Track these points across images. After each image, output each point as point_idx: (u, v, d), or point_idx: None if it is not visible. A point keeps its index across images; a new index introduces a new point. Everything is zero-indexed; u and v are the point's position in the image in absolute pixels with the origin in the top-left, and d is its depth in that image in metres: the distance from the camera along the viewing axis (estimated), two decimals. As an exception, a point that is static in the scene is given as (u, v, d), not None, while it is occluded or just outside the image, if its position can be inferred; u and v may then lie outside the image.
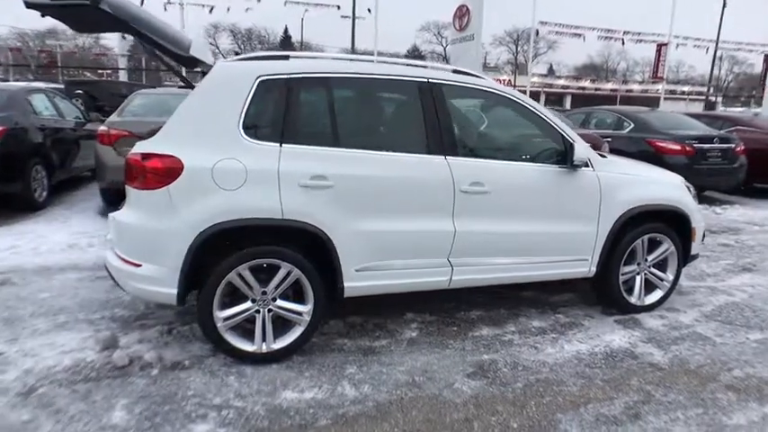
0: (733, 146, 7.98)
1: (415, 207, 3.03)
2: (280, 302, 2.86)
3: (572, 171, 3.36)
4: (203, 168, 2.64)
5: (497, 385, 2.75)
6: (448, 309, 3.66)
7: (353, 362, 2.92)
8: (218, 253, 2.70)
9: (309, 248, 2.86)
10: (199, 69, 3.63)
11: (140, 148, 2.73)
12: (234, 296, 2.79)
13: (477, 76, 3.35)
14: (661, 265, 3.80)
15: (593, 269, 3.56)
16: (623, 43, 28.23)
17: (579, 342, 3.29)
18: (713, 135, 8.00)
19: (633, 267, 3.70)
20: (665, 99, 26.15)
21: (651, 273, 3.77)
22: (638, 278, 3.74)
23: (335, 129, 2.97)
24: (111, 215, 3.07)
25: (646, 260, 3.73)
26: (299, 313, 2.89)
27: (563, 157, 3.36)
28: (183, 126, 2.72)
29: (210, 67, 3.07)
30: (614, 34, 27.72)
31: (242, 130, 2.73)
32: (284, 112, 2.81)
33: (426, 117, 3.08)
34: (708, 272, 4.84)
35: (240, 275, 2.74)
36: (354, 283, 2.96)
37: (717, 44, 31.21)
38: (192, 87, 3.70)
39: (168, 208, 2.60)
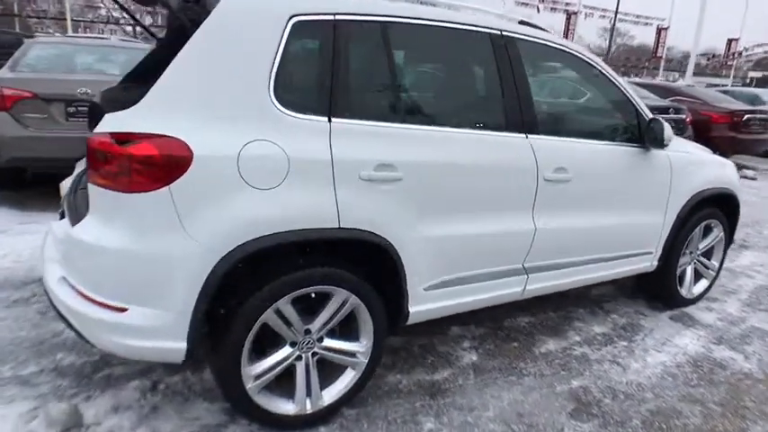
0: (683, 116, 8.09)
1: (494, 202, 2.32)
2: (327, 342, 2.04)
3: (646, 152, 2.83)
4: (224, 157, 1.70)
5: (614, 425, 2.19)
6: (492, 316, 3.04)
7: (424, 410, 2.20)
8: (246, 282, 1.82)
9: (367, 265, 2.05)
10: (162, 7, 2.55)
11: (112, 123, 1.71)
12: (264, 339, 1.92)
13: (545, 30, 2.65)
14: (707, 252, 3.47)
15: (655, 263, 3.11)
16: (539, 11, 28.75)
17: (656, 351, 2.85)
18: (668, 106, 8.06)
19: (686, 258, 3.32)
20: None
21: (699, 261, 3.43)
22: (688, 269, 3.38)
23: (399, 97, 2.12)
24: (55, 228, 2.01)
25: (697, 248, 3.37)
26: (352, 354, 2.10)
27: (636, 134, 2.82)
28: (182, 90, 1.73)
29: (180, 3, 2.05)
30: (530, 0, 28.16)
31: (273, 98, 1.81)
32: (332, 71, 1.92)
33: (503, 82, 2.34)
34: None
35: (279, 312, 1.88)
36: (422, 306, 2.21)
37: (615, 16, 33.01)
38: (155, 36, 2.66)
39: (170, 221, 1.65)
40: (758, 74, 40.74)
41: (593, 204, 2.67)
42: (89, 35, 10.85)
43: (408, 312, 2.17)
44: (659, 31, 31.11)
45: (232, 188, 1.71)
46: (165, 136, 1.64)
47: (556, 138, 2.49)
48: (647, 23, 32.71)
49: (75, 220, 1.87)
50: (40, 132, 4.26)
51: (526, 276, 2.52)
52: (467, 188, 2.21)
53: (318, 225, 1.85)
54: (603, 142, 2.71)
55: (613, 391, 2.44)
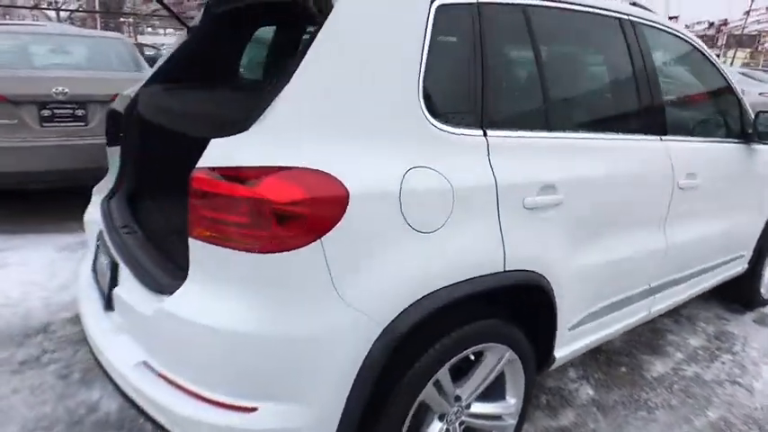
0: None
1: (637, 218, 1.99)
2: (474, 407, 1.64)
3: (748, 147, 2.57)
4: (385, 194, 1.25)
5: (784, 469, 1.94)
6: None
7: (574, 470, 1.86)
8: (403, 353, 1.38)
9: (520, 310, 1.67)
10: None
11: (218, 153, 1.21)
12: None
13: (653, 12, 2.31)
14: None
15: (746, 266, 2.90)
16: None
17: (765, 364, 2.64)
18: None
19: None
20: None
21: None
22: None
23: (550, 99, 1.71)
24: (123, 294, 1.50)
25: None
26: (499, 417, 1.71)
27: (739, 128, 2.55)
28: (314, 104, 1.23)
29: None
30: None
31: (424, 108, 1.36)
32: (482, 70, 1.49)
33: (638, 77, 1.98)
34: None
35: (437, 383, 1.47)
36: (566, 348, 1.86)
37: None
38: (186, 25, 2.15)
39: (321, 286, 1.19)
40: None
41: (712, 210, 2.40)
42: (26, 22, 9.61)
43: (554, 358, 1.81)
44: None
45: (394, 234, 1.26)
46: (310, 170, 1.17)
47: (683, 139, 2.17)
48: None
49: (154, 283, 1.37)
50: (8, 142, 3.54)
51: (653, 297, 2.22)
52: (617, 205, 1.86)
53: (483, 272, 1.44)
54: (717, 140, 2.43)
55: (755, 421, 2.19)
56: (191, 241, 1.22)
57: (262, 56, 2.67)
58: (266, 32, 2.66)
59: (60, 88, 3.57)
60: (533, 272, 1.56)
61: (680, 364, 2.59)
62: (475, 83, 1.48)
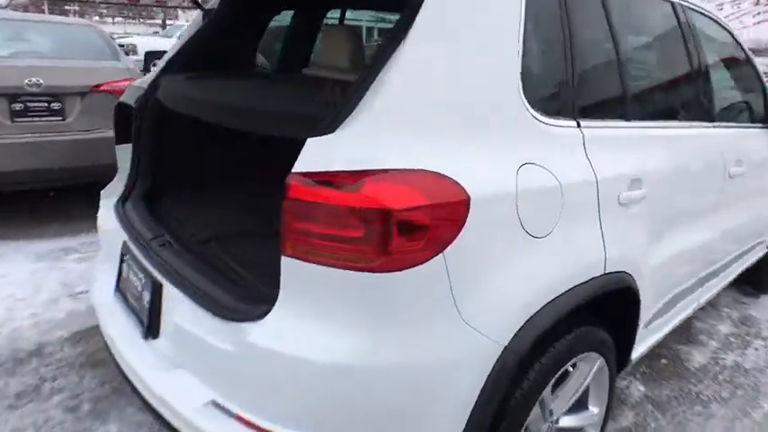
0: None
1: (695, 207, 1.91)
2: (564, 421, 1.52)
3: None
4: (503, 195, 1.09)
5: None
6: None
7: (649, 475, 1.78)
8: (514, 372, 1.22)
9: (602, 313, 1.55)
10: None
11: (317, 157, 1.00)
12: None
13: None
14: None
15: (766, 250, 2.91)
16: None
17: (798, 348, 2.66)
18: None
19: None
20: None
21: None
22: (778, 249, 3.24)
23: (630, 85, 1.58)
24: (179, 321, 1.28)
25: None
26: (580, 429, 1.60)
27: (763, 112, 2.53)
28: (416, 94, 1.05)
29: None
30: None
31: (524, 96, 1.20)
32: (571, 53, 1.35)
33: (692, 62, 1.89)
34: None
35: (542, 402, 1.33)
36: (640, 348, 1.77)
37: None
38: (202, 8, 1.92)
39: (441, 306, 1.02)
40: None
41: (748, 196, 2.36)
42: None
43: (630, 360, 1.71)
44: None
45: (511, 241, 1.11)
46: (427, 172, 0.99)
47: (729, 125, 2.11)
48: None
49: (223, 309, 1.17)
50: (-26, 139, 3.15)
51: (701, 287, 2.16)
52: (685, 195, 1.78)
53: (590, 276, 1.31)
54: (749, 125, 2.39)
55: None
56: (284, 260, 1.02)
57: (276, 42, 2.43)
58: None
59: (34, 79, 3.20)
60: (625, 272, 1.45)
61: (717, 352, 2.57)
62: (565, 69, 1.33)
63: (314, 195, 0.97)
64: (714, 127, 1.97)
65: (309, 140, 1.00)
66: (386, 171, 0.97)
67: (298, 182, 0.98)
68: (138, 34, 16.52)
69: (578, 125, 1.33)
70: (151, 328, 1.36)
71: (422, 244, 0.96)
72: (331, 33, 2.27)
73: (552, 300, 1.19)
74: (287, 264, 1.02)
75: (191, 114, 1.53)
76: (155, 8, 29.07)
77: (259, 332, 1.05)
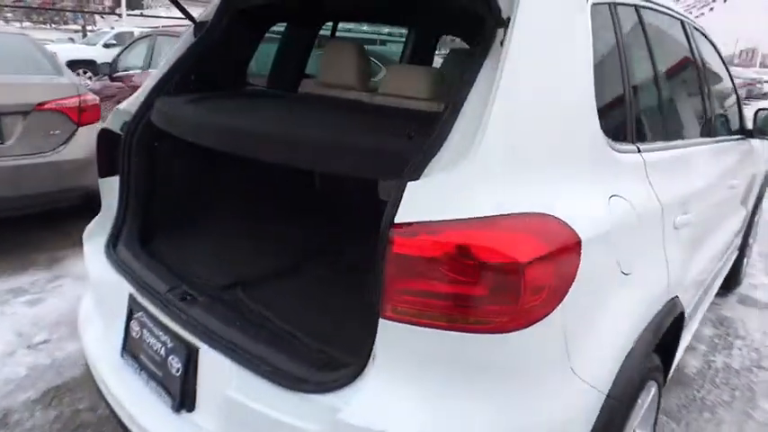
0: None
1: (713, 221, 1.95)
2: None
3: (749, 143, 2.69)
4: (603, 234, 1.02)
5: None
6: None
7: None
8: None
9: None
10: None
11: (417, 205, 0.87)
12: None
13: None
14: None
15: (737, 252, 3.08)
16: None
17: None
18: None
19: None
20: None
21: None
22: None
23: (664, 107, 1.57)
24: (233, 398, 1.09)
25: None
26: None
27: (738, 125, 2.67)
28: (502, 133, 0.93)
29: None
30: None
31: (600, 125, 1.14)
32: (627, 78, 1.31)
33: (701, 79, 1.95)
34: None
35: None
36: (673, 365, 1.76)
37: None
38: (193, 20, 1.73)
39: (557, 361, 0.92)
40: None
41: (736, 204, 2.47)
42: None
43: (667, 380, 1.70)
44: None
45: (611, 282, 1.05)
46: (542, 215, 0.90)
47: (720, 139, 2.18)
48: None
49: (293, 379, 1.00)
50: None
51: (706, 296, 2.22)
52: (713, 211, 1.81)
53: (660, 305, 1.27)
54: (731, 138, 2.50)
55: (799, 404, 2.30)
56: (382, 323, 0.88)
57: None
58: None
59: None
60: (677, 296, 1.43)
61: (707, 355, 2.67)
62: (623, 95, 1.30)
63: (423, 250, 0.84)
64: (716, 142, 2.04)
65: (410, 185, 0.87)
66: (502, 217, 0.86)
67: (402, 235, 0.85)
68: (53, 41, 15.26)
69: (638, 150, 1.30)
70: (185, 399, 1.16)
71: (545, 296, 0.87)
72: (343, 49, 2.05)
73: (638, 337, 1.13)
74: (386, 327, 0.89)
75: (215, 146, 1.34)
76: (68, 13, 27.07)
77: (354, 408, 0.91)
